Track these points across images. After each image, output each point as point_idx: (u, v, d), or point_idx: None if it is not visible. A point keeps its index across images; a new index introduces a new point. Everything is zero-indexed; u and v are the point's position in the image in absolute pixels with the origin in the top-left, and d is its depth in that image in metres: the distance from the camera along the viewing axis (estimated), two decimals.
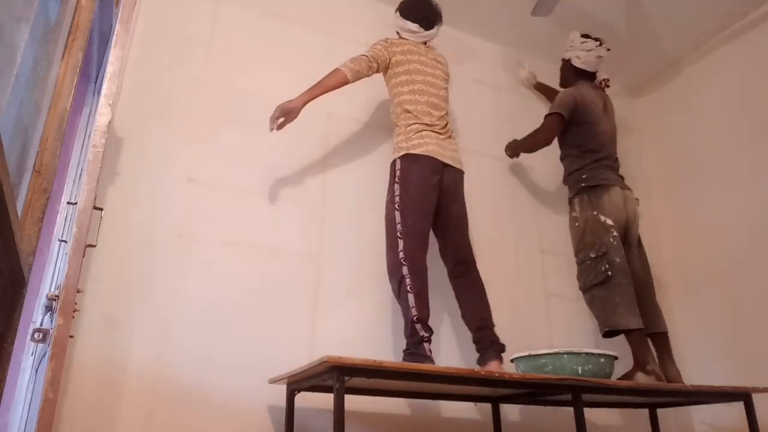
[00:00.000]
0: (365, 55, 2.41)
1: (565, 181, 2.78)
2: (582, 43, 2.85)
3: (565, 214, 2.76)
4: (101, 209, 1.80)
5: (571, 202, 2.71)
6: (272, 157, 2.53)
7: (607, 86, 2.94)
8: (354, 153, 2.72)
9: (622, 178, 2.73)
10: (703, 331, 3.07)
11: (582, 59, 2.84)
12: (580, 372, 2.05)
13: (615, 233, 2.51)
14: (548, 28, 3.14)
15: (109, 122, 1.71)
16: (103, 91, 1.72)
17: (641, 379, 2.31)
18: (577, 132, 2.71)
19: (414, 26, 2.56)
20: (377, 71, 2.47)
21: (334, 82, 2.32)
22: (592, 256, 2.50)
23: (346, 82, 2.35)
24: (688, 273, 3.21)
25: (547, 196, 3.19)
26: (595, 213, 2.55)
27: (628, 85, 3.76)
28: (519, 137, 2.94)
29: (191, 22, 2.58)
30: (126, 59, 2.26)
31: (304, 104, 2.28)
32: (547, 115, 2.75)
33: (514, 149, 2.89)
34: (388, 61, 2.46)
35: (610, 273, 2.43)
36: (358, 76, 2.37)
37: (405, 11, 2.58)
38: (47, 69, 1.68)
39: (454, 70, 3.16)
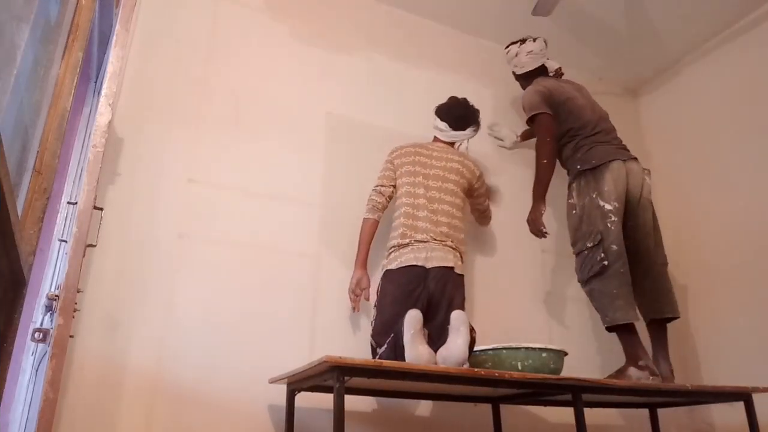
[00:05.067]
0: (376, 190, 2.41)
1: (564, 167, 2.72)
2: (507, 53, 2.89)
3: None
4: (101, 209, 1.81)
5: (569, 188, 2.63)
6: (272, 157, 2.53)
7: (561, 74, 2.91)
8: (354, 152, 2.72)
9: (626, 149, 2.62)
10: (707, 330, 3.06)
11: (518, 65, 2.86)
12: (519, 368, 2.01)
13: (614, 218, 2.40)
14: (548, 28, 3.14)
15: (109, 122, 1.72)
16: (103, 91, 1.73)
17: (634, 374, 2.25)
18: (559, 117, 2.64)
19: (442, 125, 2.58)
20: (396, 191, 2.43)
21: (369, 232, 2.36)
22: (589, 245, 2.42)
23: (377, 223, 2.38)
24: (690, 273, 3.20)
25: (547, 196, 3.18)
26: (594, 196, 2.46)
27: (628, 85, 3.76)
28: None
29: (191, 22, 2.58)
30: (126, 59, 2.26)
31: (364, 267, 2.34)
32: (531, 120, 2.67)
33: (536, 194, 2.59)
34: (396, 176, 2.44)
35: (606, 263, 2.35)
36: (383, 211, 2.41)
37: (438, 110, 2.62)
38: (47, 69, 1.68)
39: (453, 71, 3.17)
